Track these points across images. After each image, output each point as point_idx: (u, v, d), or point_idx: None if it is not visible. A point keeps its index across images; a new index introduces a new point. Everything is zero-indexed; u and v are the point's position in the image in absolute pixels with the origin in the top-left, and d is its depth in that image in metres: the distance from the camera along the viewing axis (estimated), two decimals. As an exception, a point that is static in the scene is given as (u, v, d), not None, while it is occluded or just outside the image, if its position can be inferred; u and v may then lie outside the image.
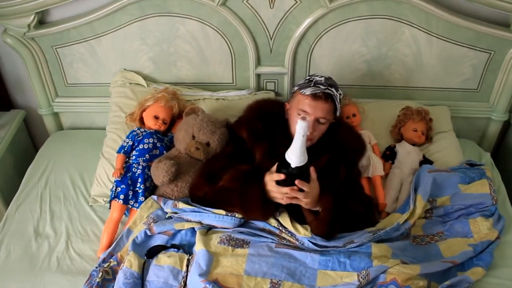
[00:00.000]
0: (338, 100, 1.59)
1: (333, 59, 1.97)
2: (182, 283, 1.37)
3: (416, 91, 2.06)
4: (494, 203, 1.62)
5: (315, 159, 1.61)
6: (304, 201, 1.41)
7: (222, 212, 1.50)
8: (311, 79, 1.60)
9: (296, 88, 1.63)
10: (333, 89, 1.57)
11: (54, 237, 1.65)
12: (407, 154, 1.82)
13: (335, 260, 1.38)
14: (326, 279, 1.35)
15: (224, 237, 1.44)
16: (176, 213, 1.56)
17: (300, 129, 1.30)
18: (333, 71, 2.00)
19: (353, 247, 1.42)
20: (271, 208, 1.48)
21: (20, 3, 1.79)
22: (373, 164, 1.78)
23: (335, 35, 1.90)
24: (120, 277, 1.39)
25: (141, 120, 1.83)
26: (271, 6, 1.84)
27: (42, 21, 1.92)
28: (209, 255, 1.39)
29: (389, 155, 1.85)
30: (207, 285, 1.30)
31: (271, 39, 1.93)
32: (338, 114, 1.62)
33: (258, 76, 2.03)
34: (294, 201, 1.41)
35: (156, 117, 1.79)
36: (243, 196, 1.46)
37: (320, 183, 1.46)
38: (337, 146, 1.63)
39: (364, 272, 1.33)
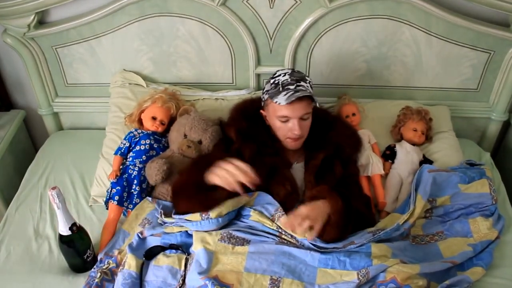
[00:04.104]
0: (310, 90, 1.53)
1: (333, 59, 1.97)
2: (181, 282, 1.37)
3: (416, 91, 2.06)
4: (494, 202, 1.62)
5: (310, 157, 1.62)
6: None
7: (198, 217, 1.46)
8: (276, 81, 1.53)
9: (266, 96, 1.56)
10: (301, 84, 1.50)
11: (54, 237, 1.65)
12: (407, 154, 1.82)
13: (335, 258, 1.38)
14: (325, 277, 1.35)
15: (224, 234, 1.44)
16: (164, 222, 1.57)
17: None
18: (333, 71, 2.00)
19: (353, 248, 1.42)
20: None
21: (20, 3, 1.79)
22: (372, 163, 1.78)
23: (335, 35, 1.90)
24: (119, 279, 1.40)
25: (140, 121, 1.83)
26: (271, 6, 1.83)
27: (42, 21, 1.92)
28: (209, 253, 1.39)
29: (389, 155, 1.85)
30: (207, 282, 1.30)
31: (271, 39, 1.93)
32: (316, 102, 1.54)
33: (258, 76, 2.03)
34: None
35: (154, 118, 1.79)
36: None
37: (325, 187, 1.47)
38: (333, 144, 1.62)
39: (364, 270, 1.33)
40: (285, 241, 1.45)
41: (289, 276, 1.33)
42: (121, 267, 1.43)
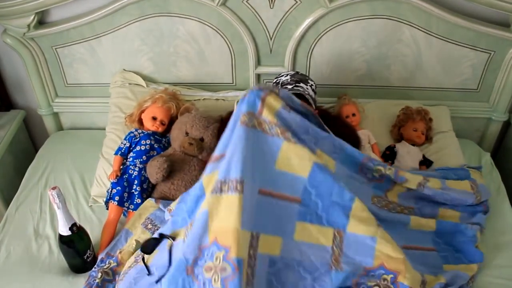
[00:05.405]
0: (310, 92, 1.55)
1: (333, 59, 1.97)
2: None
3: (415, 91, 2.06)
4: (475, 202, 1.63)
5: None
6: None
7: None
8: (277, 81, 1.59)
9: None
10: (301, 85, 1.54)
11: (54, 237, 1.65)
12: (407, 154, 1.82)
13: (313, 212, 1.33)
14: (303, 232, 1.31)
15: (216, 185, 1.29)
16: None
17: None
18: (333, 71, 2.00)
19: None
20: None
21: (20, 3, 1.79)
22: (372, 164, 1.79)
23: (335, 35, 1.90)
24: (132, 272, 1.38)
25: (140, 121, 1.83)
26: (271, 6, 1.84)
27: (42, 21, 1.92)
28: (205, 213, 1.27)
29: (389, 155, 1.85)
30: (205, 252, 1.21)
31: (271, 39, 1.93)
32: (314, 105, 1.58)
33: (258, 76, 2.03)
34: None
35: (154, 118, 1.79)
36: None
37: None
38: None
39: (338, 237, 1.30)
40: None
41: (268, 232, 1.27)
42: (134, 263, 1.42)
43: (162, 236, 1.44)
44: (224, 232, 1.21)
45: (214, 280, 1.19)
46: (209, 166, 1.36)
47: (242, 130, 1.30)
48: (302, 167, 1.32)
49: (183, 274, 1.23)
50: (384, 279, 1.29)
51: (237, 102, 1.41)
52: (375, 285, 1.29)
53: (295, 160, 1.32)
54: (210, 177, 1.34)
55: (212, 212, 1.25)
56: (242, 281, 1.17)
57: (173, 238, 1.39)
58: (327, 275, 1.30)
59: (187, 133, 1.72)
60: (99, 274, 1.43)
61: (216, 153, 1.36)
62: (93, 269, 1.48)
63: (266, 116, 1.33)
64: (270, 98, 1.34)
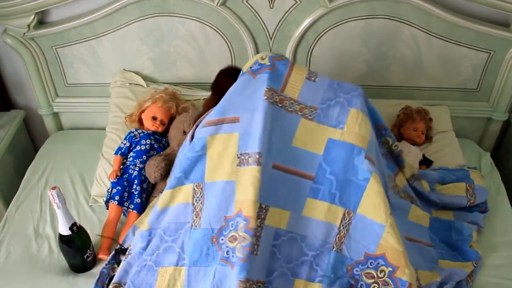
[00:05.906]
0: None
1: (333, 59, 1.97)
2: (194, 216, 1.34)
3: (415, 91, 2.06)
4: (468, 204, 1.63)
5: None
6: None
7: None
8: None
9: None
10: None
11: (54, 237, 1.65)
12: (407, 154, 1.81)
13: (326, 190, 1.32)
14: (312, 209, 1.31)
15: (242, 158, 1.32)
16: None
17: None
18: (333, 71, 2.00)
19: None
20: None
21: (20, 3, 1.79)
22: (372, 164, 1.78)
23: (335, 35, 1.90)
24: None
25: (140, 121, 1.83)
26: (271, 6, 1.84)
27: (42, 21, 1.92)
28: (230, 185, 1.31)
29: (389, 155, 1.85)
30: (231, 222, 1.26)
31: (271, 39, 1.93)
32: None
33: (258, 76, 2.03)
34: None
35: (154, 118, 1.79)
36: None
37: None
38: None
39: (347, 218, 1.30)
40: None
41: (276, 205, 1.29)
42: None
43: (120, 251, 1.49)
44: (246, 202, 1.26)
45: (238, 250, 1.24)
46: (212, 128, 1.37)
47: (265, 105, 1.33)
48: (317, 144, 1.34)
49: (208, 242, 1.31)
50: (382, 271, 1.29)
51: (255, 60, 1.46)
52: (373, 283, 1.29)
53: (311, 137, 1.34)
54: (213, 137, 1.36)
55: (239, 184, 1.28)
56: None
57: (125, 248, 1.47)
58: (326, 254, 1.31)
59: (184, 132, 1.72)
60: (111, 271, 1.45)
61: (220, 116, 1.38)
62: (104, 266, 1.49)
63: (288, 92, 1.38)
64: (294, 73, 1.39)
